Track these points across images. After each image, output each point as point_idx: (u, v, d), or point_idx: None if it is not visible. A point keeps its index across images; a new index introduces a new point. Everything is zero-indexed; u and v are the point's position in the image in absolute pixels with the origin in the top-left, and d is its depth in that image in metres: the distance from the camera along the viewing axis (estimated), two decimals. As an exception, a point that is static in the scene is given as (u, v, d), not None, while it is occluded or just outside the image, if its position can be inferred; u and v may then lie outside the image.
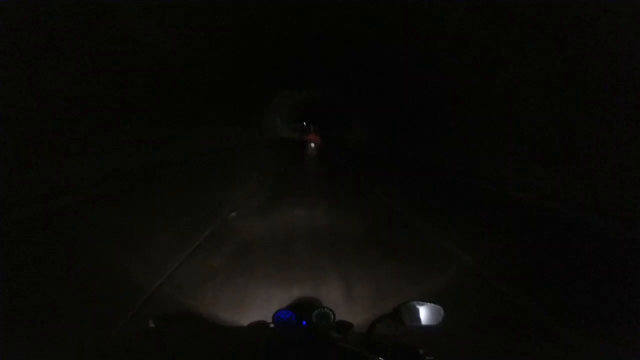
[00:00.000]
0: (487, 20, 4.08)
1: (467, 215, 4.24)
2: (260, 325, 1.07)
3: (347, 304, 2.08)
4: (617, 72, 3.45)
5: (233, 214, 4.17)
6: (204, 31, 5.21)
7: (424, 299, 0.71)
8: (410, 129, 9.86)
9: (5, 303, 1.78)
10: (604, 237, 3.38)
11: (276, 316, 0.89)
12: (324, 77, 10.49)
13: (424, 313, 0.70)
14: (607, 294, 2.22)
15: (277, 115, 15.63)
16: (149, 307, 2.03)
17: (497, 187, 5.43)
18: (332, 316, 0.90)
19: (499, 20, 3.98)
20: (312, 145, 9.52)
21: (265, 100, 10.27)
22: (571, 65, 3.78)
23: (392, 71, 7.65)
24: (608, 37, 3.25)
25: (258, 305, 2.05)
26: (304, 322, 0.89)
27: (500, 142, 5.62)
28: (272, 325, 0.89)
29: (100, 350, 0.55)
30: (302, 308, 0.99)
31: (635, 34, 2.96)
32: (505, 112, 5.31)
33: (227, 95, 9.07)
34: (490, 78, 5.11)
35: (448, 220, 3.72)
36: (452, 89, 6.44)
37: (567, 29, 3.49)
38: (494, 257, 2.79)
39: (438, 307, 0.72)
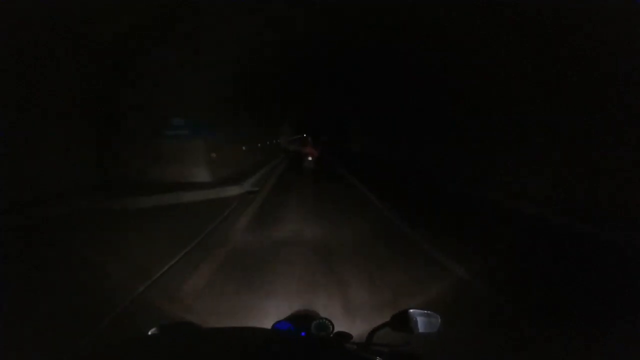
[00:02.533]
0: (487, 20, 4.08)
1: (464, 223, 4.23)
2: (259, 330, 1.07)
3: (345, 315, 2.05)
4: (617, 72, 3.44)
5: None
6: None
7: (422, 308, 0.71)
8: (410, 130, 9.87)
9: (4, 304, 1.79)
10: (602, 242, 3.38)
11: (275, 328, 0.87)
12: (324, 77, 10.49)
13: (422, 321, 0.70)
14: (605, 297, 2.23)
15: (277, 125, 15.55)
16: (133, 311, 1.99)
17: (495, 193, 5.39)
18: (331, 327, 0.89)
19: (499, 20, 3.97)
20: (310, 158, 9.52)
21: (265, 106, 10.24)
22: (571, 66, 3.78)
23: (392, 71, 7.65)
24: (608, 37, 3.24)
25: (255, 317, 2.01)
26: (303, 333, 0.87)
27: (500, 142, 5.61)
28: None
29: (94, 353, 0.54)
30: (301, 320, 0.97)
31: (635, 34, 2.95)
32: (505, 112, 5.30)
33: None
34: (490, 78, 5.11)
35: (445, 230, 3.71)
36: (452, 89, 6.43)
37: (567, 29, 3.48)
38: (491, 264, 2.78)
39: (436, 315, 0.71)
